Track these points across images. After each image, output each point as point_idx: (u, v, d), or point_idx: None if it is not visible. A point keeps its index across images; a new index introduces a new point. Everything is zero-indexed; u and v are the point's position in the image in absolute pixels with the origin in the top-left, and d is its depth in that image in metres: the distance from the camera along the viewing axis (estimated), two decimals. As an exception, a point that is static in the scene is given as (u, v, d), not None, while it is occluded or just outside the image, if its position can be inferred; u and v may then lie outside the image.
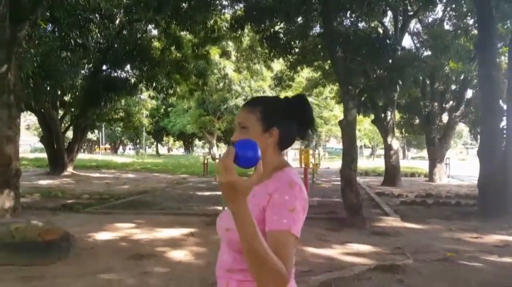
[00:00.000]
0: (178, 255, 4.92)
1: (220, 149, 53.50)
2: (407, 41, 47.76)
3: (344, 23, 6.99)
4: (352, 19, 7.62)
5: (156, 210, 8.11)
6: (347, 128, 7.26)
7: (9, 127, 7.25)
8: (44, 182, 13.16)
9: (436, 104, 15.01)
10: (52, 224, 4.70)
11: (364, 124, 34.80)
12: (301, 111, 1.25)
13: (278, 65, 19.95)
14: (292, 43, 9.55)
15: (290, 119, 1.23)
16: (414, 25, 15.43)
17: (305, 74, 22.04)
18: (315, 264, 4.64)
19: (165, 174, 17.85)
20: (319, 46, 9.75)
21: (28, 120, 34.17)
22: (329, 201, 9.76)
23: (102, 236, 5.79)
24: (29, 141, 48.23)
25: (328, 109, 35.93)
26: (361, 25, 8.33)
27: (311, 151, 24.99)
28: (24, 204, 7.85)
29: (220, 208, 7.27)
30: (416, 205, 9.15)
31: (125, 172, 17.25)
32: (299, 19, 8.13)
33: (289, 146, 1.29)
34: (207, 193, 10.63)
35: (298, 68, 14.83)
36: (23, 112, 19.48)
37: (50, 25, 12.59)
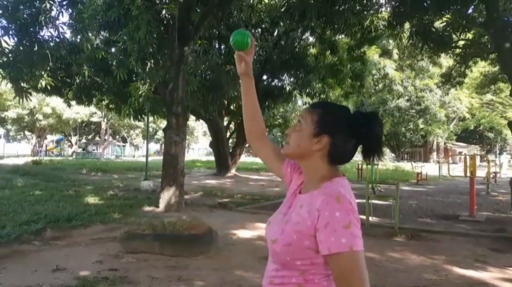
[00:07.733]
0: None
1: (385, 155, 50.92)
2: None
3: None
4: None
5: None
6: (519, 131, 6.03)
7: (177, 134, 8.47)
8: (209, 181, 14.88)
9: None
10: (198, 220, 5.26)
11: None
12: (365, 129, 1.13)
13: (448, 60, 18.00)
14: (454, 36, 8.46)
15: (348, 132, 1.13)
16: None
17: (481, 68, 19.30)
18: (461, 287, 4.01)
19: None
20: (485, 37, 8.32)
21: (204, 127, 39.13)
22: (502, 217, 8.30)
23: (244, 234, 6.20)
24: (205, 145, 55.29)
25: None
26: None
27: (491, 158, 21.77)
28: (188, 201, 9.03)
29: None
30: None
31: (281, 174, 18.08)
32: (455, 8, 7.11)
33: (341, 161, 1.18)
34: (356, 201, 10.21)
35: (470, 62, 13.02)
36: (198, 121, 22.45)
37: (217, 42, 14.20)
